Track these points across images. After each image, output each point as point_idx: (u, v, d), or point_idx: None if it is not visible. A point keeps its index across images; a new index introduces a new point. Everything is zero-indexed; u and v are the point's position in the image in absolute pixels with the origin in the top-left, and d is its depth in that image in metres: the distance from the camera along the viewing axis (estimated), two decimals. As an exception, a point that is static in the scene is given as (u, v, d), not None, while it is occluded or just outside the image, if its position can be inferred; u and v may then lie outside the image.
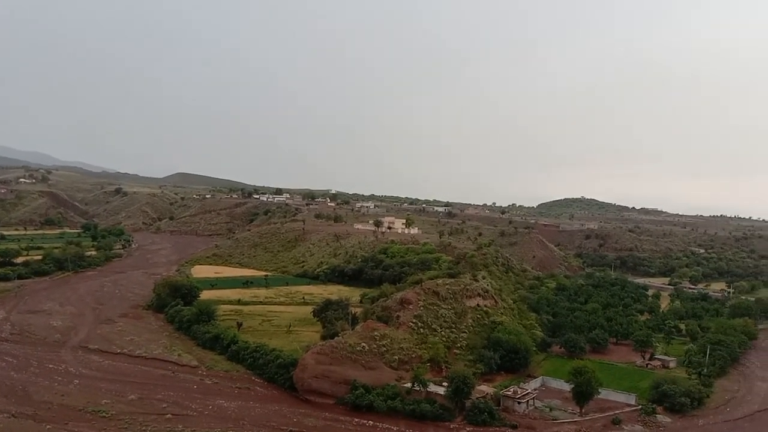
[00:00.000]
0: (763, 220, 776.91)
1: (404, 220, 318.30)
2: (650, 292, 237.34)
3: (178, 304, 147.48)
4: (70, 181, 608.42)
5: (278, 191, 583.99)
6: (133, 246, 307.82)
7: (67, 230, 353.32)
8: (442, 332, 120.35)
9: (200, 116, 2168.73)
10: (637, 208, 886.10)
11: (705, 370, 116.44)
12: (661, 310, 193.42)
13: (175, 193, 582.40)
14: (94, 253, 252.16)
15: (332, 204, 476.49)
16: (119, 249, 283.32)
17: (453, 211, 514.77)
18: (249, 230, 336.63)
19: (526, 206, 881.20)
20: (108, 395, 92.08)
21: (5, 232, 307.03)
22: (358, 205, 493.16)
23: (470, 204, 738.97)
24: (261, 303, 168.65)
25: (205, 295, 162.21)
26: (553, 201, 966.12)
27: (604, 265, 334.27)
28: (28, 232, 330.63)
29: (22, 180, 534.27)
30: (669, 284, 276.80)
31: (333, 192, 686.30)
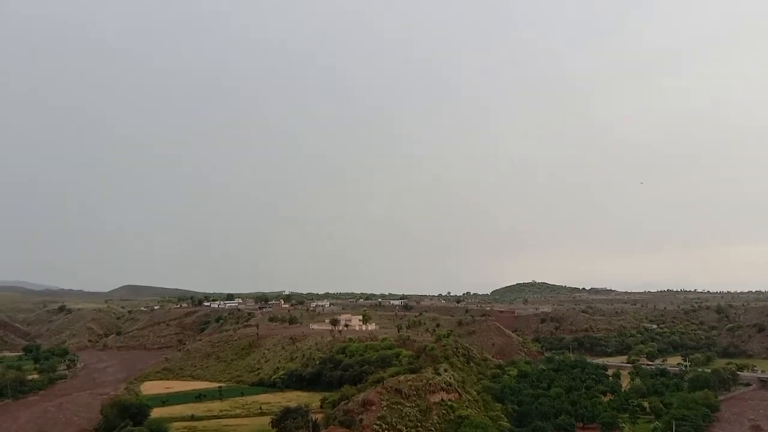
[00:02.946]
0: (708, 291, 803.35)
1: (361, 317, 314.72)
2: (610, 372, 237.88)
3: (128, 425, 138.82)
4: (10, 302, 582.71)
5: (230, 296, 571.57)
6: (78, 366, 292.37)
7: (7, 354, 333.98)
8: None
9: (144, 224, 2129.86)
10: (587, 288, 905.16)
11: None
12: (622, 389, 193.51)
13: (122, 307, 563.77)
14: (36, 376, 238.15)
15: (286, 306, 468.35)
16: (64, 370, 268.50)
17: (409, 304, 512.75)
18: (200, 340, 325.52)
19: (481, 293, 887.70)
20: None
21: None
22: (313, 304, 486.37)
23: (426, 295, 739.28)
24: (216, 417, 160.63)
25: (156, 412, 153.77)
26: (507, 287, 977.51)
27: (562, 348, 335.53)
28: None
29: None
30: (627, 362, 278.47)
31: (287, 293, 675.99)
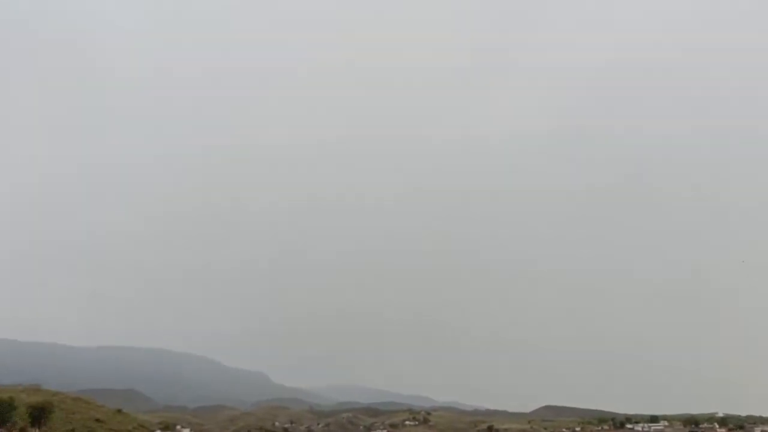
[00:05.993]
0: None
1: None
2: None
3: None
4: (446, 421, 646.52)
5: (653, 418, 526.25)
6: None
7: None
8: None
9: (560, 344, 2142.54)
10: None
11: None
12: None
13: (545, 428, 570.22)
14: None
15: (722, 430, 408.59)
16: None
17: None
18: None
19: None
20: None
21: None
22: (758, 430, 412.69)
23: None
24: None
25: None
26: None
27: None
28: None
29: (407, 422, 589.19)
30: None
31: (720, 415, 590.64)
